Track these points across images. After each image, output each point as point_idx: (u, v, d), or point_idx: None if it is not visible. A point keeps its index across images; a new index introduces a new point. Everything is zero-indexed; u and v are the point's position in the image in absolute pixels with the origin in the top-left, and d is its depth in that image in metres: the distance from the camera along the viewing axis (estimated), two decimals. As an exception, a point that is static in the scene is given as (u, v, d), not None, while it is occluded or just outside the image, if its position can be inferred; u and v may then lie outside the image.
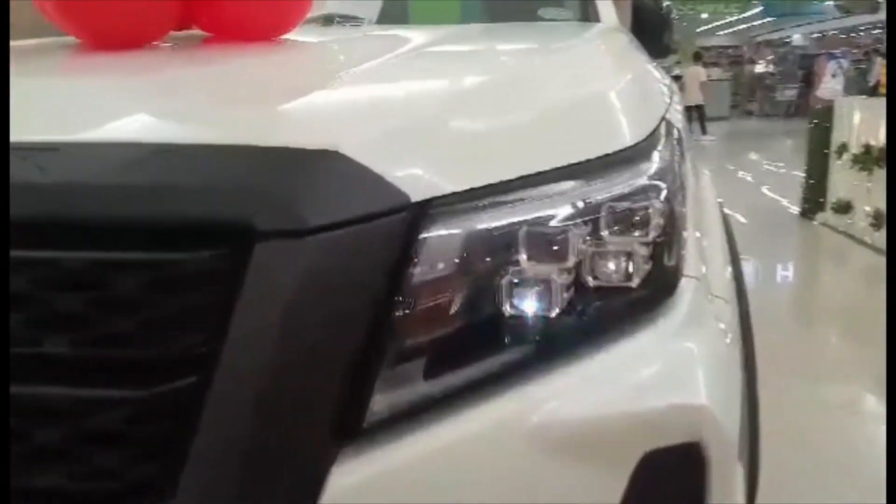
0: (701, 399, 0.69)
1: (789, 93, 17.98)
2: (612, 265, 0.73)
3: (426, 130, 0.73)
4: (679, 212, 0.80)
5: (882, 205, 4.53)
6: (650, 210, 0.74)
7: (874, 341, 3.22)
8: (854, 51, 18.73)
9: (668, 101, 1.02)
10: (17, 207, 0.61)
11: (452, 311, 0.67)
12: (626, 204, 0.74)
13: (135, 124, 0.74)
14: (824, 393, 2.73)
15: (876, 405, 2.65)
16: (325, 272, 0.61)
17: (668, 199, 0.77)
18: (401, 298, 0.64)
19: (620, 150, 0.78)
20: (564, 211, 0.71)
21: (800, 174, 6.01)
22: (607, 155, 0.76)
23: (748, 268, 4.35)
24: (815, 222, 5.51)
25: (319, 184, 0.62)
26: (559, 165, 0.73)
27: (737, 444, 0.74)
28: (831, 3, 16.94)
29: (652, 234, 0.74)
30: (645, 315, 0.74)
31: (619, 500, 0.67)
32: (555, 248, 0.70)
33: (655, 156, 0.80)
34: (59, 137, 0.68)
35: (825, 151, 5.44)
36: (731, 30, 24.04)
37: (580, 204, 0.72)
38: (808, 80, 15.08)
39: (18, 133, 0.67)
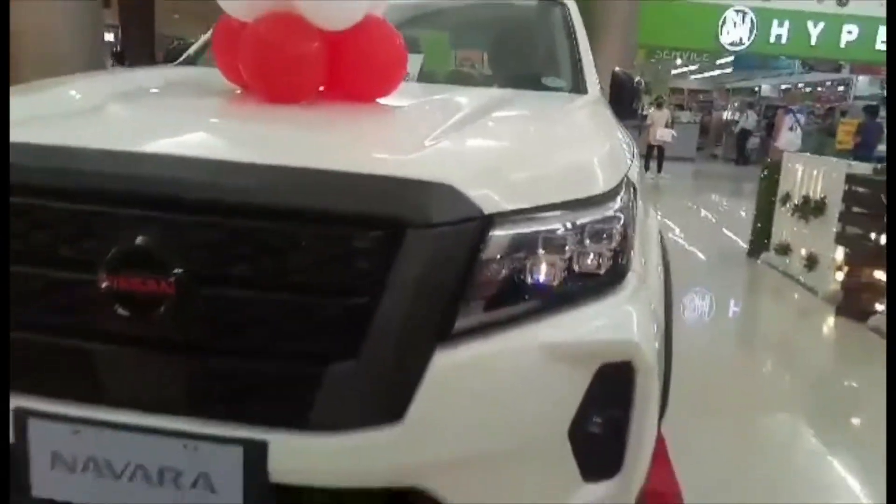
0: (633, 336, 1.25)
1: (753, 140, 18.85)
2: (589, 260, 1.28)
3: (494, 172, 1.27)
4: (630, 233, 1.36)
5: (814, 249, 5.20)
6: (613, 230, 1.29)
7: (800, 369, 3.82)
8: (816, 105, 19.76)
9: (629, 162, 1.58)
10: (273, 196, 1.15)
11: (500, 277, 1.21)
12: (599, 225, 1.29)
13: (328, 158, 1.24)
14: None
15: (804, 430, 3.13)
16: (439, 249, 1.15)
17: (624, 225, 1.32)
18: (474, 267, 1.18)
19: (599, 194, 1.33)
20: (564, 227, 1.26)
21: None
22: (591, 196, 1.31)
23: (697, 300, 4.96)
24: (758, 261, 6.18)
25: (439, 200, 1.16)
26: (562, 200, 1.28)
27: (654, 366, 1.28)
28: (797, 60, 17.97)
29: (614, 244, 1.29)
30: (607, 290, 1.29)
31: (586, 388, 1.22)
32: (558, 247, 1.25)
33: (618, 199, 1.36)
34: (299, 163, 1.20)
35: (772, 199, 6.12)
36: (702, 75, 25.15)
37: (573, 223, 1.26)
38: (770, 130, 15.84)
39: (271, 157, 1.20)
